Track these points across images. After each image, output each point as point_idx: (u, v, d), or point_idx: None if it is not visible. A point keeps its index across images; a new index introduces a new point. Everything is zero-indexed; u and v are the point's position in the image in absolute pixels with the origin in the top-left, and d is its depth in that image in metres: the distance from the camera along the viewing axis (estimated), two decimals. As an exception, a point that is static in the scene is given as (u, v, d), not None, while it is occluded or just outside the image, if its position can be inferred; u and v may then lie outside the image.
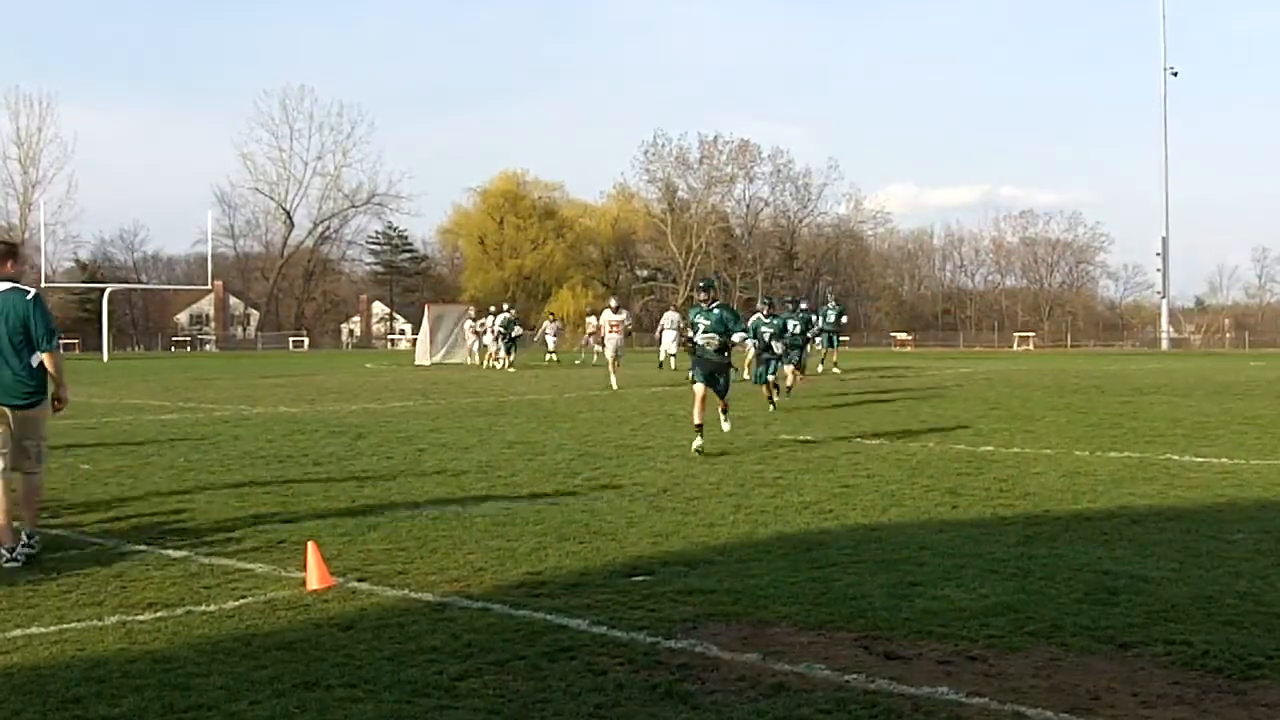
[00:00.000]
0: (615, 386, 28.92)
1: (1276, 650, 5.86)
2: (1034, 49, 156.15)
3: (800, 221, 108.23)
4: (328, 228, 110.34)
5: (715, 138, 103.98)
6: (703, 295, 15.84)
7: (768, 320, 21.88)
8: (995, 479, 12.11)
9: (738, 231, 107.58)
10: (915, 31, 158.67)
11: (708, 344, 15.29)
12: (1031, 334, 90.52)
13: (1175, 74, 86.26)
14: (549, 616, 6.73)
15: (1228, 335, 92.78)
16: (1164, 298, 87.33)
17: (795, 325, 23.64)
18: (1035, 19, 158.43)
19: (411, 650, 6.08)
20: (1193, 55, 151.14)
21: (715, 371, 15.46)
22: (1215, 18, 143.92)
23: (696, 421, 14.91)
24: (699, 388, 15.25)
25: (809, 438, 16.59)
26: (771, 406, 21.04)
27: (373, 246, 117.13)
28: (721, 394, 15.64)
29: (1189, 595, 7.05)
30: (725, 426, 16.04)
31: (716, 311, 15.42)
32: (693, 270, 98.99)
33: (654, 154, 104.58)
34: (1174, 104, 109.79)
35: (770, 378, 21.38)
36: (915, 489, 11.45)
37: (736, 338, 15.52)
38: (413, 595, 7.35)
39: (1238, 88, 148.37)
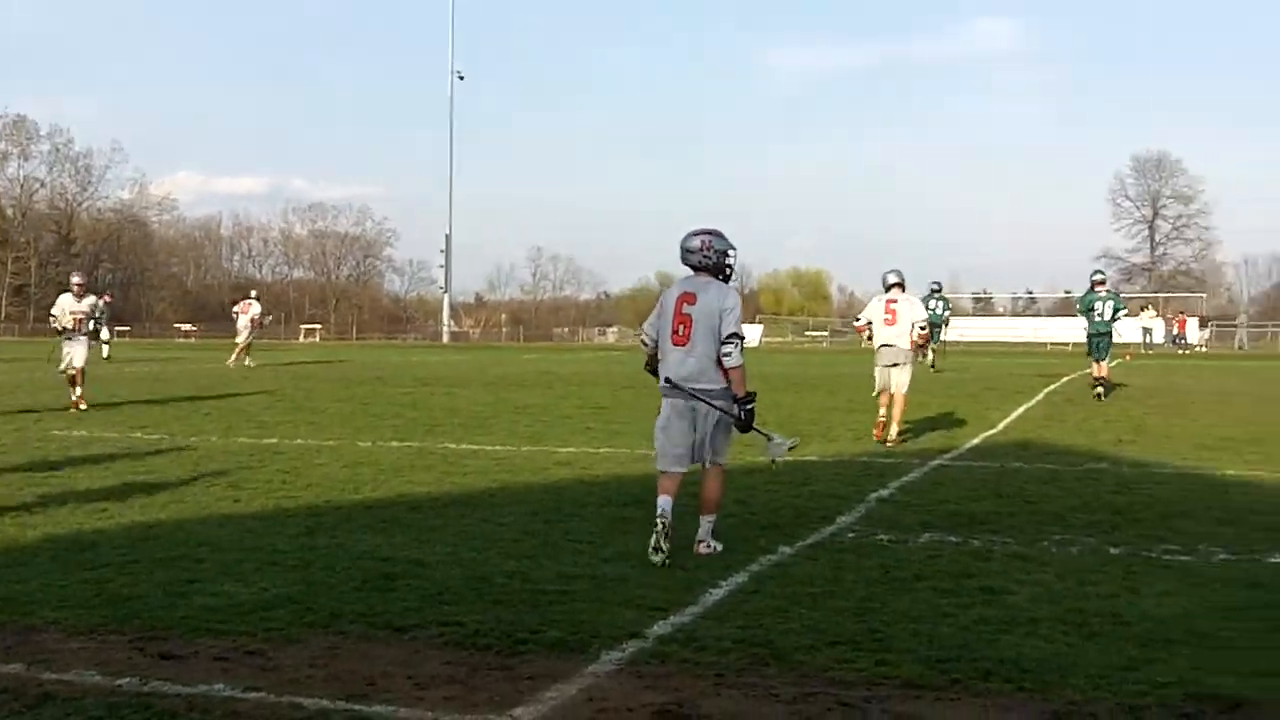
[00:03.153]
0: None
1: (541, 625, 6.21)
2: (326, 42, 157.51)
3: (80, 205, 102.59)
4: None
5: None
6: None
7: None
8: (279, 471, 12.04)
9: (10, 213, 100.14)
10: (199, 10, 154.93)
11: None
12: (319, 326, 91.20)
13: (462, 77, 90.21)
14: None
15: (504, 329, 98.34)
16: (446, 292, 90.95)
17: None
18: (330, 13, 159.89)
19: None
20: (479, 59, 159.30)
21: None
22: (501, 24, 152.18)
23: None
24: None
25: (84, 433, 15.75)
26: None
27: None
28: None
29: (463, 577, 7.33)
30: None
31: None
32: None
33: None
34: (461, 106, 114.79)
35: None
36: (196, 484, 11.14)
37: None
38: None
39: (519, 92, 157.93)
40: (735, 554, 8.01)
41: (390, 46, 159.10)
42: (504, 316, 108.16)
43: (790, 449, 8.93)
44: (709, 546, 8.11)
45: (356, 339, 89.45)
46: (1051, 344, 63.79)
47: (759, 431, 8.44)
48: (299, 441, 14.89)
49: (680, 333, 8.13)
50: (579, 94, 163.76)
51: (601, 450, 14.02)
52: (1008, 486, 11.27)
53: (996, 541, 8.57)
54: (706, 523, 8.19)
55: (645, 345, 8.50)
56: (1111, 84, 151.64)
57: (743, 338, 8.18)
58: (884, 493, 10.80)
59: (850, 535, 8.81)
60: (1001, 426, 17.29)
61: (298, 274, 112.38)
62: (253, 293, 39.37)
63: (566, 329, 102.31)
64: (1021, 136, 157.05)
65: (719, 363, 8.07)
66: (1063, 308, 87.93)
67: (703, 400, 8.07)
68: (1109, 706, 5.01)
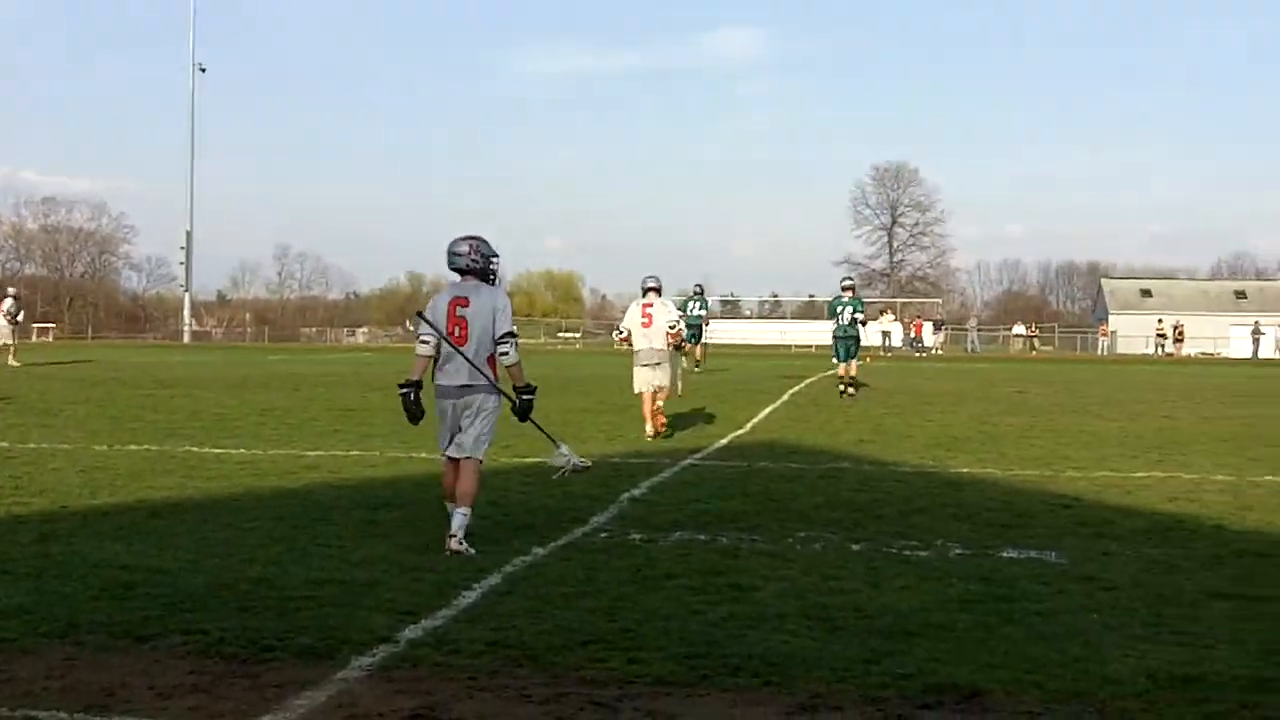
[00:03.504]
0: None
1: (287, 632, 6.10)
2: (60, 29, 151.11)
3: None
4: None
5: None
6: None
7: None
8: (10, 476, 11.51)
9: None
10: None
11: None
12: (52, 325, 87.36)
13: (204, 70, 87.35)
14: None
15: (249, 329, 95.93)
16: (187, 291, 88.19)
17: None
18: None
19: None
20: (221, 52, 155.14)
21: None
22: (245, 18, 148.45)
23: None
24: None
25: None
26: None
27: None
28: None
29: (206, 584, 7.15)
30: None
31: None
32: None
33: None
34: (202, 99, 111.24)
35: None
36: (-82, 490, 10.56)
37: None
38: None
39: (262, 87, 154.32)
40: (488, 555, 8.01)
41: (129, 37, 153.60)
42: (248, 316, 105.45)
43: (576, 469, 9.32)
44: (460, 544, 8.20)
45: (93, 339, 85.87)
46: (796, 346, 65.58)
47: (540, 429, 9.30)
48: (31, 446, 14.25)
49: (457, 334, 8.46)
50: (327, 90, 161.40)
51: (351, 453, 13.83)
52: (755, 485, 11.53)
53: (744, 539, 8.76)
54: (460, 515, 8.34)
55: (424, 346, 8.57)
56: (854, 94, 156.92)
57: (516, 335, 8.68)
58: (636, 493, 10.94)
59: (603, 535, 8.89)
60: (749, 427, 17.69)
61: (30, 270, 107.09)
62: (10, 290, 37.79)
63: (315, 329, 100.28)
64: (769, 143, 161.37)
65: (492, 361, 8.50)
66: (807, 311, 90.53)
67: (480, 391, 8.49)
68: (853, 698, 5.18)
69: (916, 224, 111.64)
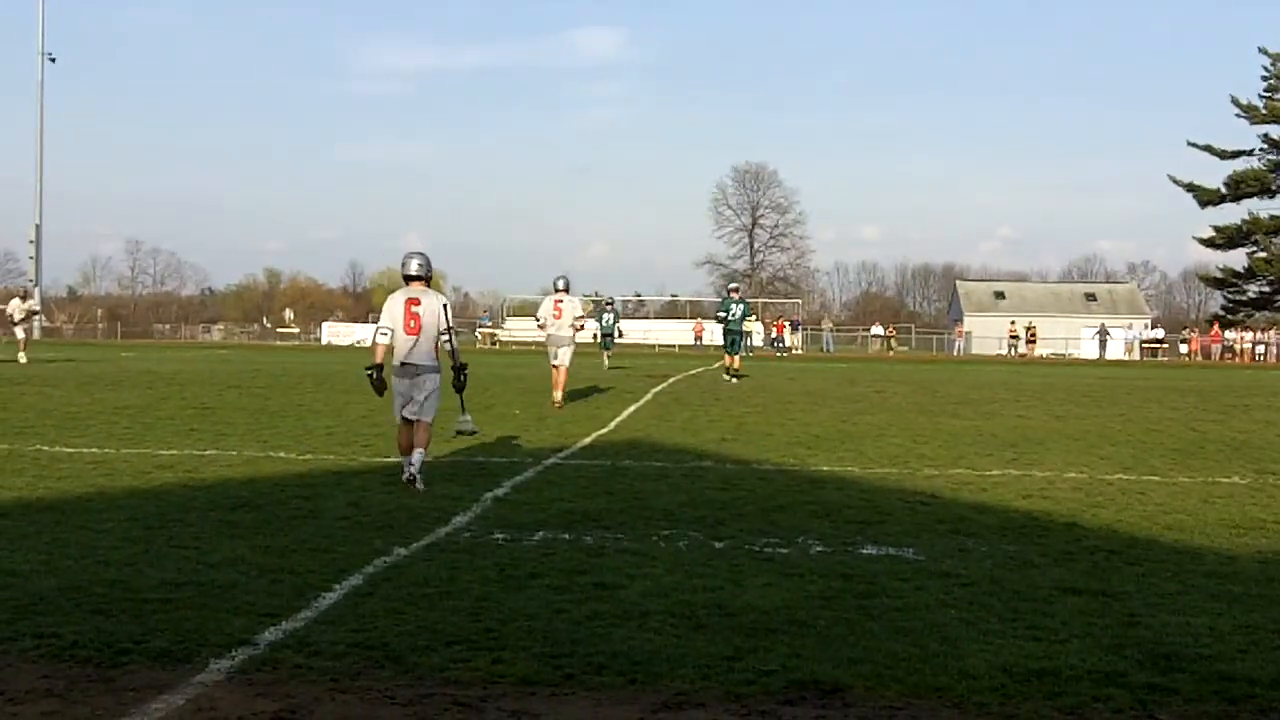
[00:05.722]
0: None
1: (144, 635, 5.97)
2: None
3: None
4: None
5: None
6: None
7: None
8: None
9: None
10: None
11: None
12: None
13: (54, 60, 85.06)
14: None
15: (101, 325, 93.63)
16: (37, 286, 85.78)
17: None
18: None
19: None
20: (73, 43, 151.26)
21: None
22: (96, 7, 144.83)
23: None
24: None
25: None
26: None
27: None
28: None
29: (58, 586, 6.96)
30: None
31: None
32: None
33: None
34: (52, 90, 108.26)
35: None
36: None
37: None
38: None
39: (115, 79, 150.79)
40: (349, 556, 7.92)
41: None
42: (100, 312, 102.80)
43: (470, 432, 13.10)
44: (417, 473, 10.93)
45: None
46: (659, 345, 65.90)
47: (461, 401, 12.36)
48: None
49: (412, 326, 11.27)
50: (176, 86, 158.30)
51: (207, 452, 13.56)
52: (619, 484, 11.55)
53: (609, 538, 8.78)
54: (419, 455, 11.07)
55: (384, 336, 11.25)
56: (713, 95, 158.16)
57: (455, 329, 11.65)
58: (499, 492, 10.89)
59: (466, 535, 8.84)
60: (613, 425, 17.71)
61: None
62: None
63: (169, 326, 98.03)
64: (631, 143, 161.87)
65: (437, 347, 11.43)
66: (670, 310, 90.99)
67: (428, 371, 11.34)
68: (717, 695, 5.22)
69: (776, 225, 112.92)
